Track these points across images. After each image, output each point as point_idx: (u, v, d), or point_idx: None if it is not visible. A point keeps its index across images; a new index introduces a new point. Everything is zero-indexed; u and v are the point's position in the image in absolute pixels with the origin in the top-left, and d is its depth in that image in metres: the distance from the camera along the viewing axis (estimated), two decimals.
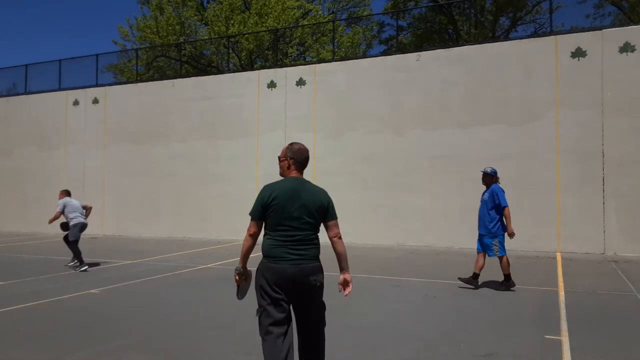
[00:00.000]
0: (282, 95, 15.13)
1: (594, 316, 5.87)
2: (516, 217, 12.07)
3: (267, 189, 3.21)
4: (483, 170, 7.56)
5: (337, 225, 3.29)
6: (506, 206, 7.22)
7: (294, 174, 3.29)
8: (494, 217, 7.26)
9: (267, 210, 3.16)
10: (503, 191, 7.32)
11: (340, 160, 14.19)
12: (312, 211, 3.17)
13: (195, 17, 27.21)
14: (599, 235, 11.58)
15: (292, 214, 3.13)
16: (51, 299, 6.87)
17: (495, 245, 7.22)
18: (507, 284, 7.36)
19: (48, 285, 7.92)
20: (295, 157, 3.31)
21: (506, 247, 7.32)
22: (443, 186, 12.97)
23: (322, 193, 3.28)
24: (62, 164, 18.22)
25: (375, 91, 14.02)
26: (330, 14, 29.60)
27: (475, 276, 7.42)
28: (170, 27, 25.86)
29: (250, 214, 3.22)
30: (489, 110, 12.78)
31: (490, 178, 7.43)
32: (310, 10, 27.40)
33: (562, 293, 7.12)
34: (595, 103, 11.85)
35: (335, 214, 3.30)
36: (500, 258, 7.30)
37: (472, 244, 12.34)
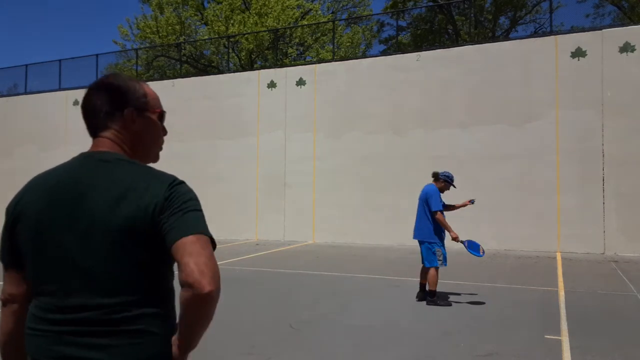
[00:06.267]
0: (282, 95, 15.13)
1: (594, 316, 5.86)
2: (516, 217, 12.19)
3: (20, 192, 1.41)
4: None
5: (193, 254, 1.24)
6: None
7: (93, 147, 1.50)
8: None
9: (15, 242, 1.35)
10: None
11: (340, 160, 14.18)
12: (114, 235, 1.25)
13: (195, 17, 27.24)
14: (599, 235, 11.58)
15: (65, 248, 1.26)
16: None
17: None
18: None
19: None
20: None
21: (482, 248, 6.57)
22: None
23: (147, 183, 1.33)
24: None
25: (375, 91, 14.01)
26: (330, 13, 29.61)
27: None
28: (170, 27, 25.88)
29: None
30: (489, 110, 12.78)
31: None
32: (310, 10, 27.42)
33: (562, 293, 7.12)
34: (595, 103, 11.85)
35: (190, 224, 1.33)
36: None
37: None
